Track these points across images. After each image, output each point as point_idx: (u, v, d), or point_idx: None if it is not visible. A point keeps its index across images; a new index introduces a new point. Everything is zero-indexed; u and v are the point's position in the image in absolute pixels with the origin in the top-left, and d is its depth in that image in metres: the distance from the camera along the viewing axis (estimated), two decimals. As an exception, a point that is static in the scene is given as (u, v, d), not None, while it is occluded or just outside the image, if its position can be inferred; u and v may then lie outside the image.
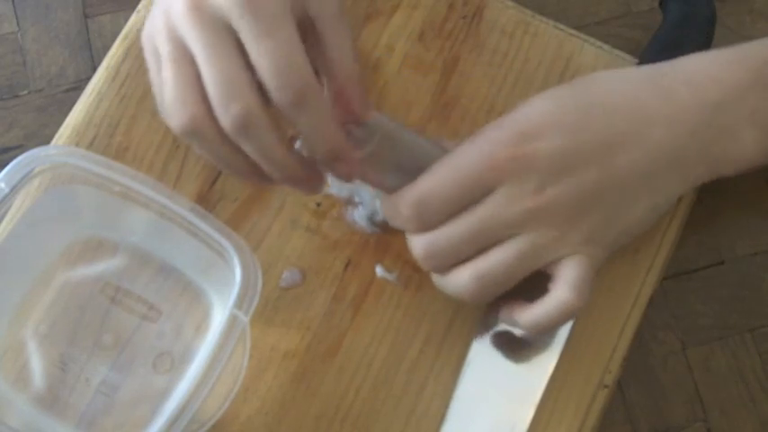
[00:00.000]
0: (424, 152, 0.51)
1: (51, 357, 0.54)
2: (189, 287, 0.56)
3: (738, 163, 0.52)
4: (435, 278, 0.52)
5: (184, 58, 0.46)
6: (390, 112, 0.58)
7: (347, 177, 0.49)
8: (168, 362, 0.54)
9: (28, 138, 0.62)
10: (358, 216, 0.56)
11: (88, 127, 0.58)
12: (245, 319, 0.50)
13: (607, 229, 0.51)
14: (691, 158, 0.51)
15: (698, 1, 0.58)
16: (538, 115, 0.50)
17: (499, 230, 0.49)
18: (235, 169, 0.48)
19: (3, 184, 0.51)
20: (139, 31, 0.59)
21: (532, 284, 0.51)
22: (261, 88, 0.45)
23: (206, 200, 0.57)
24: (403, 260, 0.56)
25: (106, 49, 0.60)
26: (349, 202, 0.57)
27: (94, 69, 0.60)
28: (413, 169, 0.50)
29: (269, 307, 0.55)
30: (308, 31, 0.47)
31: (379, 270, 0.56)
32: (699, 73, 0.52)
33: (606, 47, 0.60)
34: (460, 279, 0.50)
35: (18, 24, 0.65)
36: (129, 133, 0.58)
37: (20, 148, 0.62)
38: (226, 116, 0.45)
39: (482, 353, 0.54)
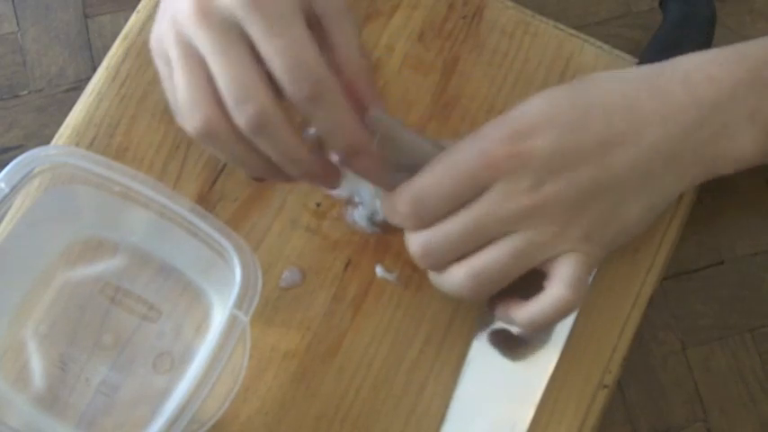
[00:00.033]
0: (424, 151, 0.51)
1: (51, 357, 0.54)
2: (189, 287, 0.55)
3: (737, 162, 0.52)
4: (432, 276, 0.52)
5: (195, 60, 0.45)
6: (390, 111, 0.58)
7: (368, 173, 0.49)
8: (168, 362, 0.54)
9: (28, 138, 0.62)
10: (358, 216, 0.56)
11: (88, 127, 0.58)
12: (245, 319, 0.50)
13: (603, 228, 0.51)
14: (687, 158, 0.51)
15: (698, 1, 0.58)
16: (535, 114, 0.50)
17: (495, 228, 0.49)
18: (252, 168, 0.48)
19: (3, 184, 0.51)
20: (140, 31, 0.60)
21: (529, 282, 0.51)
22: (273, 81, 0.45)
23: (206, 200, 0.57)
24: (403, 260, 0.55)
25: (106, 49, 0.60)
26: (349, 202, 0.57)
27: (94, 69, 0.60)
28: (413, 168, 0.50)
29: (269, 307, 0.55)
30: (314, 28, 0.46)
31: (379, 270, 0.56)
32: (696, 72, 0.51)
33: (606, 47, 0.60)
34: (456, 277, 0.50)
35: (18, 24, 0.65)
36: (129, 133, 0.58)
37: (20, 148, 0.62)
38: (241, 117, 0.45)
39: (482, 353, 0.54)
